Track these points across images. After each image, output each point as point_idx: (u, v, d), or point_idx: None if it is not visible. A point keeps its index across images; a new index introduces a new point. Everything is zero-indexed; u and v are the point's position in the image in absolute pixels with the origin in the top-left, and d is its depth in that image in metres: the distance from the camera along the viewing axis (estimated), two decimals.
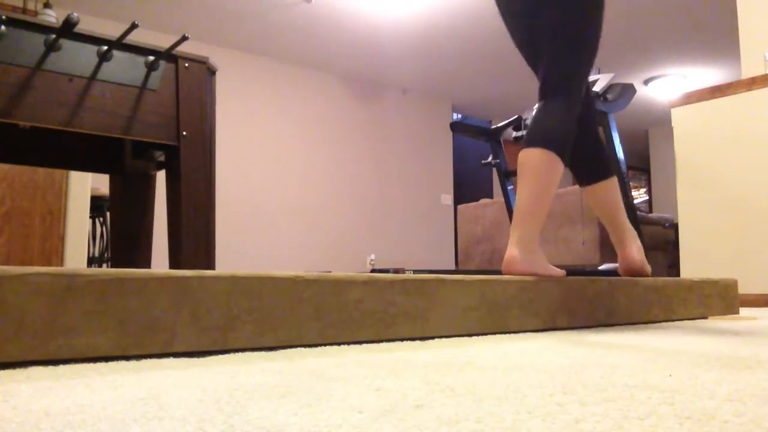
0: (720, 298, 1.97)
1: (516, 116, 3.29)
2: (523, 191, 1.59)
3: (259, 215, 6.37)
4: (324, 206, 6.88)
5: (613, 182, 1.86)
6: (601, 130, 2.98)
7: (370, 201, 7.28)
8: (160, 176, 4.78)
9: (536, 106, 1.71)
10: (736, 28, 5.77)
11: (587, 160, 1.86)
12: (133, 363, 0.82)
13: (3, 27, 1.41)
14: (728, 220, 2.88)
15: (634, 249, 1.86)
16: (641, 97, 7.70)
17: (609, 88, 2.97)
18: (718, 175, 2.93)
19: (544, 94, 1.71)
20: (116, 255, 2.03)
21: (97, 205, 3.29)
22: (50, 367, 0.77)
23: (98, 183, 3.82)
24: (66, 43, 1.51)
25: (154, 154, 2.05)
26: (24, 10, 4.18)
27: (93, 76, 1.54)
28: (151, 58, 1.63)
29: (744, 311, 2.33)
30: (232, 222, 6.16)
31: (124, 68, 1.59)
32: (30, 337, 0.78)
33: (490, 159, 3.55)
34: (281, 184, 6.57)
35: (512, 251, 1.55)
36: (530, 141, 1.63)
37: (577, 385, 0.66)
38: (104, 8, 5.41)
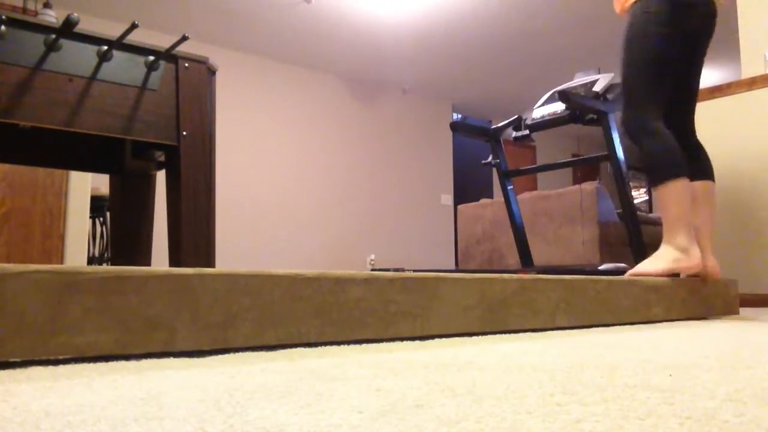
0: (720, 298, 1.97)
1: (516, 116, 3.28)
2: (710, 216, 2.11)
3: (259, 215, 6.37)
4: (324, 206, 6.88)
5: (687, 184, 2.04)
6: (601, 130, 2.98)
7: (371, 201, 7.28)
8: (160, 176, 4.78)
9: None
10: (736, 28, 5.77)
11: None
12: (133, 363, 0.82)
13: (3, 27, 1.41)
14: (728, 220, 2.88)
15: (710, 258, 2.06)
16: None
17: (609, 88, 2.97)
18: (717, 175, 2.93)
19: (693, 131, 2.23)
20: (116, 255, 2.03)
21: (97, 205, 3.29)
22: (50, 367, 0.77)
23: (98, 183, 3.83)
24: (66, 43, 1.51)
25: (154, 154, 2.05)
26: (24, 10, 4.18)
27: (93, 76, 1.54)
28: (151, 58, 1.63)
29: (744, 311, 2.33)
30: (231, 222, 6.15)
31: (124, 68, 1.59)
32: (30, 335, 0.78)
33: (490, 159, 3.55)
34: (281, 184, 6.57)
35: (713, 260, 2.03)
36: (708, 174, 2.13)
37: (577, 385, 0.66)
38: (104, 8, 5.41)
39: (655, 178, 2.00)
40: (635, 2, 2.10)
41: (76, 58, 1.52)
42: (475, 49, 6.46)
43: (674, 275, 1.93)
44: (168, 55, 1.66)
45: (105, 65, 1.56)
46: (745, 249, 2.82)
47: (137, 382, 0.66)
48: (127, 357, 0.86)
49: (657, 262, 1.94)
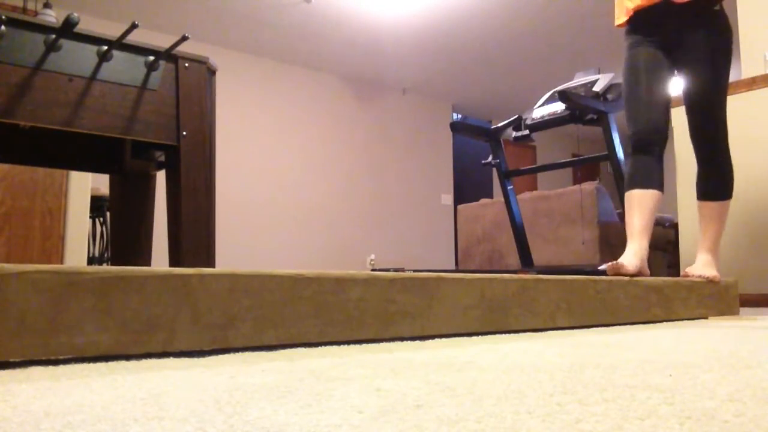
0: (720, 298, 1.97)
1: (516, 116, 3.28)
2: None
3: (259, 215, 6.36)
4: (324, 206, 6.88)
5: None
6: (601, 130, 2.99)
7: (371, 201, 7.28)
8: (160, 176, 4.78)
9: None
10: (736, 28, 5.76)
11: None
12: (133, 363, 0.82)
13: (3, 27, 1.41)
14: (728, 220, 2.88)
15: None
16: None
17: (609, 88, 2.97)
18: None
19: None
20: (116, 255, 2.03)
21: (97, 205, 3.29)
22: (50, 367, 0.77)
23: (98, 183, 3.83)
24: (66, 43, 1.51)
25: (154, 154, 2.05)
26: (24, 10, 4.18)
27: (93, 76, 1.53)
28: (151, 58, 1.63)
29: (744, 311, 2.33)
30: (232, 221, 6.15)
31: (124, 68, 1.59)
32: (31, 334, 0.78)
33: (490, 159, 3.55)
34: (281, 184, 6.57)
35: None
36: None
37: (577, 385, 0.66)
38: (104, 8, 5.41)
39: (731, 190, 2.10)
40: (722, 11, 2.04)
41: (76, 58, 1.52)
42: (475, 49, 6.46)
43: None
44: (168, 55, 1.66)
45: (105, 65, 1.56)
46: (745, 249, 2.82)
47: (137, 382, 0.66)
48: (127, 357, 0.86)
49: (713, 269, 2.08)
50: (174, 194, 1.67)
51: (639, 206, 2.01)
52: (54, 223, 2.51)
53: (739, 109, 2.88)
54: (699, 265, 2.10)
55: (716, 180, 2.08)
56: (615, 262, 1.83)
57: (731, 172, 2.09)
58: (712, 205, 2.09)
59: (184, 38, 1.59)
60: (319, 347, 1.01)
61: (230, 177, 6.21)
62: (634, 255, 1.91)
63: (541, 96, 7.77)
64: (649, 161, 2.03)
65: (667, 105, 2.09)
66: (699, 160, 2.11)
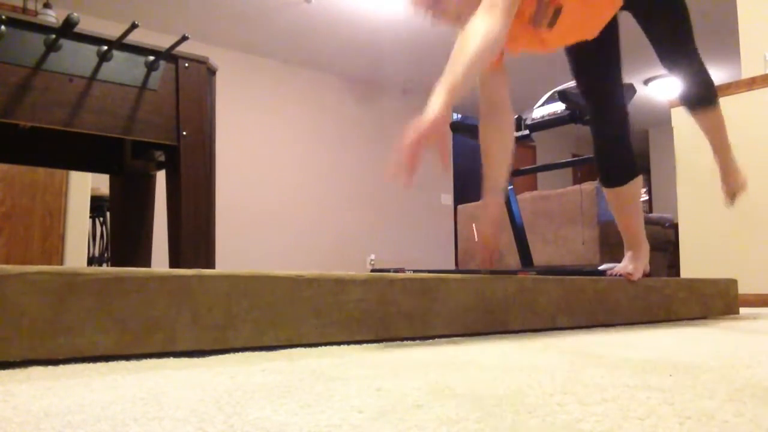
0: (720, 298, 1.97)
1: (516, 116, 3.28)
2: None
3: (259, 215, 6.36)
4: (324, 206, 6.88)
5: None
6: None
7: (370, 201, 7.28)
8: (160, 176, 4.78)
9: None
10: (736, 28, 5.76)
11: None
12: (133, 363, 0.82)
13: (3, 27, 1.41)
14: (728, 220, 2.88)
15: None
16: (641, 97, 7.69)
17: None
18: (718, 175, 2.92)
19: None
20: (116, 255, 2.03)
21: (97, 205, 3.29)
22: (50, 367, 0.77)
23: (98, 183, 3.82)
24: (66, 43, 1.51)
25: (154, 154, 2.05)
26: (24, 10, 4.18)
27: (93, 76, 1.53)
28: (151, 58, 1.63)
29: (744, 311, 2.33)
30: (232, 222, 6.15)
31: (124, 68, 1.59)
32: (30, 335, 0.78)
33: None
34: (281, 184, 6.57)
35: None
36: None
37: (577, 385, 0.66)
38: (104, 8, 5.41)
39: (715, 95, 1.98)
40: None
41: (76, 58, 1.52)
42: None
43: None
44: (168, 55, 1.66)
45: (105, 65, 1.56)
46: (745, 249, 2.82)
47: (137, 382, 0.66)
48: (127, 357, 0.86)
49: (738, 173, 2.05)
50: (174, 194, 1.67)
51: (626, 205, 1.94)
52: (54, 223, 2.51)
53: (738, 109, 2.88)
54: (725, 175, 2.07)
55: (698, 87, 1.97)
56: (621, 272, 1.79)
57: (710, 76, 1.98)
58: (703, 116, 2.00)
59: (184, 38, 1.59)
60: (319, 347, 1.01)
61: (230, 177, 6.20)
62: (636, 259, 1.87)
63: (541, 96, 7.77)
64: (618, 145, 1.95)
65: (620, 69, 2.02)
66: (677, 75, 1.99)
